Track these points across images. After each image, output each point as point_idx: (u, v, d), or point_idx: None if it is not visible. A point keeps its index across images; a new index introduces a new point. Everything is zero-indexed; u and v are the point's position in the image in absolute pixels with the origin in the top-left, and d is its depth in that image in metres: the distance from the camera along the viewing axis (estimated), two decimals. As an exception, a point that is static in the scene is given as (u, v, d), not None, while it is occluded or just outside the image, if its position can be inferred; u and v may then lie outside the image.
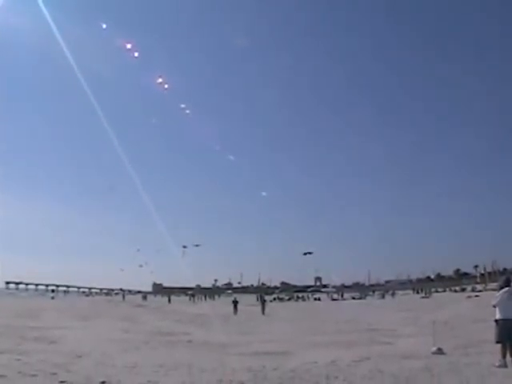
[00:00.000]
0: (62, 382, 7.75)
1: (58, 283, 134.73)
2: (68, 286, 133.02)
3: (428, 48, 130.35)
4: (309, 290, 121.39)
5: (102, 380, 7.86)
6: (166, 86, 34.06)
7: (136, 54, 27.41)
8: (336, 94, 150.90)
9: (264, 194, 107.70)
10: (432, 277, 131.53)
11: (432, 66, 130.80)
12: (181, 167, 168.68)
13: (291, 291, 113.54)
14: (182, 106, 44.58)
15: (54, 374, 8.34)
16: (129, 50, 26.99)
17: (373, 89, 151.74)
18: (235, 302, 31.75)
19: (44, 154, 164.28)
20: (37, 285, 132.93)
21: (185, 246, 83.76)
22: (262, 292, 65.79)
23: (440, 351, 10.62)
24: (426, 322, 16.81)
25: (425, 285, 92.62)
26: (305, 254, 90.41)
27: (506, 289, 9.02)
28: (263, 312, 29.91)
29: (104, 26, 31.52)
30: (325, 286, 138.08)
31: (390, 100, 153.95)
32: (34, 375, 8.18)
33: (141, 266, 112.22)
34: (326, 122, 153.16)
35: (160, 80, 33.99)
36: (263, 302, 31.46)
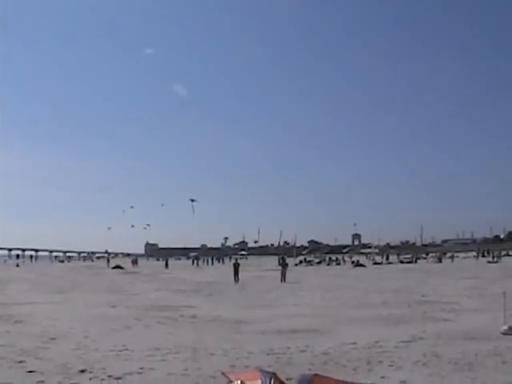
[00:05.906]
0: (30, 371, 7.92)
1: (23, 246, 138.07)
2: (37, 250, 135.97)
3: None
4: (345, 250, 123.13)
5: (81, 368, 8.03)
6: None
7: None
8: None
9: None
10: (502, 236, 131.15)
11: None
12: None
13: (322, 252, 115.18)
14: None
15: (21, 362, 8.54)
16: None
17: None
18: (236, 266, 31.94)
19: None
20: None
21: (193, 200, 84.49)
22: (283, 253, 66.79)
23: (512, 331, 10.62)
24: (494, 294, 16.84)
25: (493, 246, 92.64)
26: None
27: None
28: (283, 279, 30.36)
29: None
30: (365, 246, 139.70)
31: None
32: (-5, 364, 8.36)
33: (133, 226, 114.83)
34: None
35: None
36: (284, 265, 31.80)
